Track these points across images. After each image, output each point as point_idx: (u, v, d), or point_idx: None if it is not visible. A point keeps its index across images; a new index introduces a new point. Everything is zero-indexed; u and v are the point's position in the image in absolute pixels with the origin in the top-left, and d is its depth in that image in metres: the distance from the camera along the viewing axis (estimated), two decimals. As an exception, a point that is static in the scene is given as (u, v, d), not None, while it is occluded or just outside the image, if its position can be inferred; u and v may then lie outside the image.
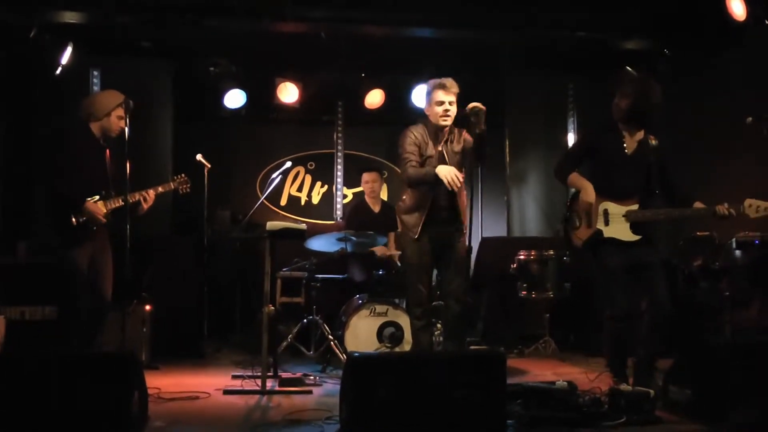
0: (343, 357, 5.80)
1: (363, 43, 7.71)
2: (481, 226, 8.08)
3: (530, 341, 6.98)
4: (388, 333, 6.03)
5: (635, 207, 4.79)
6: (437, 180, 4.88)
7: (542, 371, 6.05)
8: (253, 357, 5.73)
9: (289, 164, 6.74)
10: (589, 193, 4.83)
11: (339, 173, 9.02)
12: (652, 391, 4.32)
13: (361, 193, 7.75)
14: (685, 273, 6.40)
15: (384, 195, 8.14)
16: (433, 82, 5.09)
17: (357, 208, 7.43)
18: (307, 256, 6.70)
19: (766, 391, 4.13)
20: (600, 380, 5.12)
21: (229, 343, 7.27)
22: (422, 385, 3.87)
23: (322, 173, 9.14)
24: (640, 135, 4.90)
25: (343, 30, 7.32)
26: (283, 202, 9.07)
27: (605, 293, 4.93)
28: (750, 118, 5.13)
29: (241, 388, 5.11)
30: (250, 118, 8.68)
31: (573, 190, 5.09)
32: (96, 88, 7.48)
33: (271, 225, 5.36)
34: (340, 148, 9.03)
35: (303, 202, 9.14)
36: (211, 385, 5.26)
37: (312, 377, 5.58)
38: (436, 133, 5.07)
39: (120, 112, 5.24)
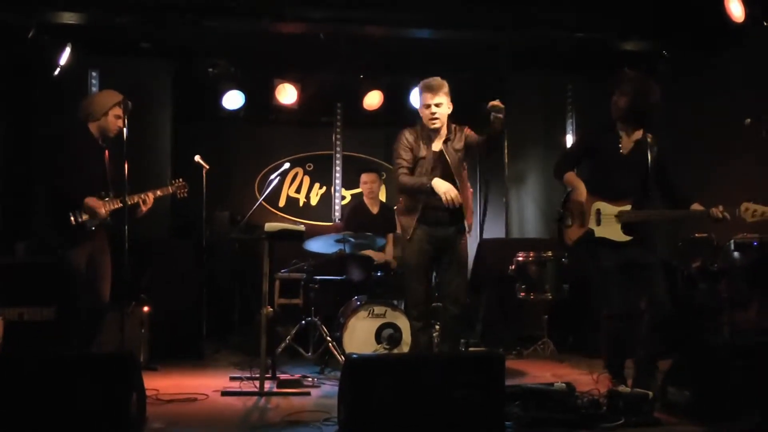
0: (341, 358, 5.79)
1: (362, 44, 7.70)
2: (480, 227, 8.08)
3: (529, 342, 6.98)
4: (387, 334, 6.03)
5: (628, 208, 4.78)
6: (432, 192, 4.89)
7: (541, 372, 6.05)
8: (252, 358, 5.72)
9: (287, 165, 6.74)
10: (580, 192, 4.85)
11: (338, 174, 9.02)
12: (650, 393, 4.32)
13: (360, 194, 7.75)
14: (683, 274, 6.40)
15: (382, 196, 8.14)
16: (421, 83, 5.07)
17: (355, 209, 7.43)
18: (305, 257, 6.70)
19: (766, 392, 4.13)
20: (598, 381, 5.11)
21: (227, 344, 7.27)
22: (421, 386, 3.87)
23: (321, 174, 9.14)
24: (638, 135, 4.90)
25: (342, 31, 7.32)
26: (282, 203, 9.07)
27: (601, 293, 4.93)
28: (749, 119, 5.13)
29: (239, 390, 5.11)
30: (248, 119, 8.68)
31: (569, 189, 5.10)
32: (95, 89, 7.47)
33: (270, 226, 5.36)
34: (338, 149, 9.03)
35: (301, 204, 9.14)
36: (210, 386, 5.25)
37: (310, 379, 5.57)
38: (430, 134, 5.06)
39: (117, 111, 5.24)
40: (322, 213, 9.09)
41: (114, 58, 7.73)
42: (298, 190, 9.14)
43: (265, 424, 4.32)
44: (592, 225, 4.84)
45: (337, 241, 6.18)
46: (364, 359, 4.19)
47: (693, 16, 6.76)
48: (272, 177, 6.43)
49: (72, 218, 5.08)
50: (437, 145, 5.05)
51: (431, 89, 4.99)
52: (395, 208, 7.54)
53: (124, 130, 5.11)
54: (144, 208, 5.35)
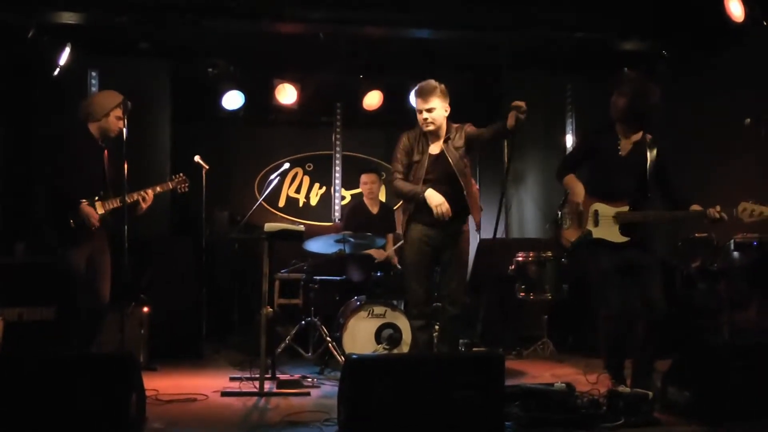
0: (341, 359, 5.79)
1: (361, 43, 7.71)
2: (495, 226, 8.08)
3: (528, 343, 6.98)
4: (387, 335, 6.02)
5: (626, 209, 4.78)
6: (424, 202, 4.93)
7: (540, 373, 6.05)
8: (251, 359, 5.71)
9: (287, 165, 6.74)
10: (576, 193, 4.85)
11: (337, 174, 9.02)
12: (650, 393, 4.32)
13: (360, 194, 7.75)
14: (683, 274, 6.40)
15: (382, 196, 8.14)
16: (415, 88, 5.09)
17: (355, 209, 7.43)
18: (305, 257, 6.69)
19: (766, 392, 4.14)
20: (598, 382, 5.11)
21: (227, 344, 7.26)
22: (420, 386, 3.87)
23: (321, 174, 9.13)
24: (637, 137, 4.90)
25: (342, 31, 7.32)
26: (282, 203, 9.06)
27: (599, 294, 4.93)
28: (749, 119, 5.14)
29: (239, 390, 5.11)
30: (248, 119, 8.68)
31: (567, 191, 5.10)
32: (94, 89, 7.46)
33: (269, 226, 5.36)
34: (338, 149, 9.02)
35: (301, 204, 9.14)
36: (209, 386, 5.25)
37: (310, 379, 5.57)
38: (428, 136, 5.07)
39: (118, 112, 5.24)
40: (322, 213, 9.09)
41: (114, 58, 7.72)
42: (297, 190, 9.13)
43: (265, 424, 4.32)
44: (590, 226, 4.84)
45: (337, 241, 6.18)
46: (364, 359, 4.19)
47: (693, 16, 6.76)
48: (272, 177, 6.43)
49: (72, 219, 5.07)
50: (437, 147, 5.06)
51: (422, 94, 5.01)
52: (395, 208, 7.57)
53: (124, 130, 5.11)
54: (144, 206, 5.34)
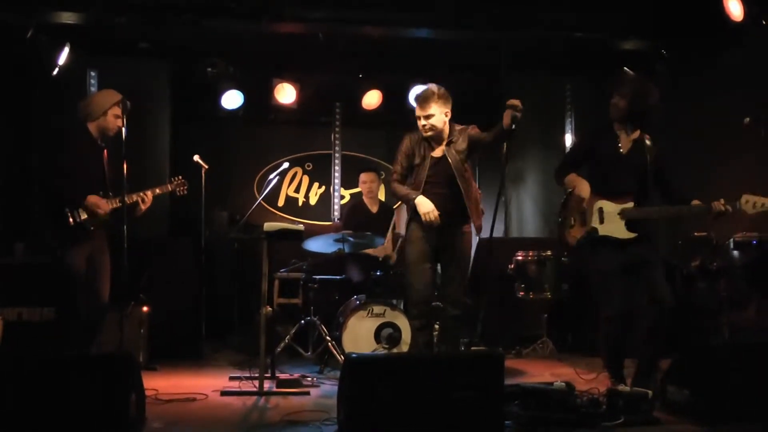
0: (340, 358, 5.79)
1: (360, 43, 7.71)
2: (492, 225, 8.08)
3: (528, 342, 6.98)
4: (386, 334, 6.02)
5: (630, 205, 4.79)
6: (415, 208, 4.99)
7: (540, 372, 6.05)
8: (251, 358, 5.72)
9: (286, 165, 6.74)
10: (582, 188, 4.84)
11: (336, 174, 9.02)
12: (650, 392, 4.32)
13: (359, 193, 7.75)
14: (683, 273, 6.40)
15: (382, 195, 8.14)
16: (416, 94, 5.13)
17: (354, 208, 7.43)
18: (304, 257, 6.69)
19: (766, 391, 4.13)
20: (598, 381, 5.11)
21: (226, 344, 7.27)
22: (420, 386, 3.87)
23: (320, 174, 9.14)
24: (636, 135, 4.91)
25: (341, 31, 7.33)
26: (281, 203, 9.07)
27: (600, 293, 4.93)
28: (747, 119, 5.14)
29: (238, 390, 5.10)
30: (247, 119, 8.67)
31: (569, 190, 5.10)
32: (93, 89, 7.46)
33: (269, 226, 5.35)
34: (337, 149, 9.02)
35: (300, 203, 9.14)
36: (209, 386, 5.25)
37: (310, 378, 5.57)
38: (430, 139, 5.09)
39: (117, 111, 5.24)
40: (321, 212, 9.09)
41: (113, 58, 7.72)
42: (297, 190, 9.14)
43: (265, 423, 4.32)
44: (595, 223, 4.83)
45: (336, 240, 6.17)
46: (364, 359, 4.19)
47: (692, 16, 6.76)
48: (271, 176, 6.43)
49: (71, 218, 5.07)
50: (439, 151, 5.09)
51: (420, 102, 5.08)
52: (394, 207, 7.57)
53: (123, 129, 5.11)
54: (143, 207, 5.34)
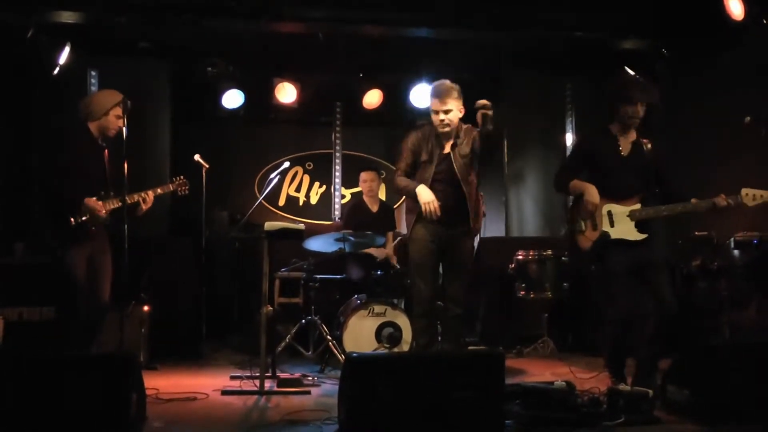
0: (341, 357, 5.79)
1: (361, 43, 7.71)
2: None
3: (529, 341, 6.98)
4: (387, 333, 6.03)
5: (638, 206, 4.79)
6: (416, 198, 4.96)
7: (541, 371, 6.04)
8: (252, 357, 5.72)
9: (287, 164, 6.74)
10: (592, 193, 4.82)
11: (337, 173, 9.02)
12: (650, 391, 4.32)
13: (360, 193, 7.75)
14: (683, 273, 6.40)
15: (382, 195, 8.14)
16: (432, 88, 5.08)
17: (355, 207, 7.43)
18: (305, 256, 6.69)
19: (766, 391, 4.13)
20: (598, 380, 5.11)
21: (227, 343, 7.27)
22: (421, 385, 3.87)
23: (321, 173, 9.14)
24: (633, 136, 4.92)
25: (341, 30, 7.33)
26: (282, 202, 9.07)
27: (607, 295, 4.92)
28: (748, 118, 5.14)
29: (239, 389, 5.10)
30: (248, 119, 8.69)
31: (575, 194, 5.09)
32: (94, 89, 7.47)
33: (269, 225, 5.35)
34: (338, 148, 9.03)
35: (301, 203, 9.15)
36: (210, 385, 5.25)
37: (310, 378, 5.58)
38: (441, 137, 5.07)
39: (118, 111, 5.23)
40: (322, 212, 9.10)
41: (113, 58, 7.72)
42: (297, 189, 9.14)
43: (265, 423, 4.32)
44: (605, 227, 4.82)
45: (337, 239, 6.18)
46: (364, 358, 4.19)
47: (693, 15, 6.76)
48: (272, 176, 6.43)
49: (71, 218, 5.07)
50: (447, 148, 5.07)
51: (439, 96, 5.00)
52: (395, 206, 7.58)
53: (124, 129, 5.11)
54: (144, 207, 5.33)
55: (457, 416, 3.82)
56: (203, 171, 6.41)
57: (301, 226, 5.62)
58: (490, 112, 4.79)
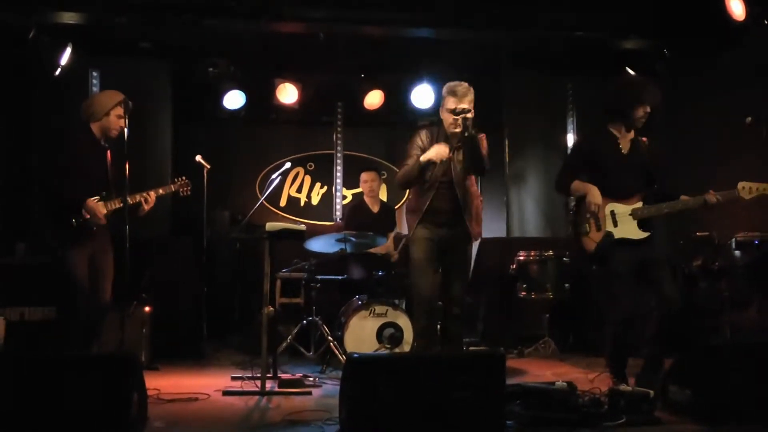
0: (342, 358, 5.79)
1: (362, 43, 7.71)
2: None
3: (530, 342, 6.98)
4: (388, 334, 6.03)
5: (640, 204, 4.81)
6: (424, 167, 4.94)
7: (542, 372, 6.05)
8: (253, 358, 5.72)
9: (288, 165, 6.74)
10: (595, 194, 4.83)
11: (338, 174, 9.02)
12: (651, 392, 4.32)
13: (361, 193, 7.75)
14: (684, 273, 6.40)
15: (383, 195, 8.14)
16: (446, 86, 5.06)
17: (356, 208, 7.43)
18: (306, 257, 6.69)
19: (766, 391, 4.14)
20: (600, 380, 5.11)
21: (228, 344, 7.27)
22: (422, 385, 3.87)
23: (322, 174, 9.14)
24: (631, 135, 4.94)
25: (342, 30, 7.33)
26: (283, 202, 9.07)
27: (609, 295, 4.92)
28: (749, 118, 5.14)
29: (240, 389, 5.11)
30: (249, 119, 8.69)
31: (572, 198, 5.10)
32: (95, 89, 7.47)
33: (271, 226, 5.36)
34: (339, 148, 9.02)
35: (302, 203, 9.14)
36: (211, 386, 5.25)
37: (311, 378, 5.58)
38: (447, 137, 5.07)
39: (119, 111, 5.23)
40: (323, 212, 9.09)
41: (114, 59, 7.73)
42: (299, 190, 9.14)
43: (267, 423, 4.32)
44: (609, 227, 4.83)
45: (338, 240, 6.17)
46: (366, 359, 4.19)
47: (693, 15, 6.75)
48: (273, 177, 6.43)
49: (72, 219, 5.07)
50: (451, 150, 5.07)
51: (456, 95, 4.98)
52: (396, 207, 7.57)
53: (125, 130, 5.11)
54: (146, 207, 5.34)
55: (457, 417, 3.83)
56: (204, 171, 6.41)
57: (303, 227, 5.63)
58: (470, 116, 4.80)
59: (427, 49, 7.84)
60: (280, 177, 6.44)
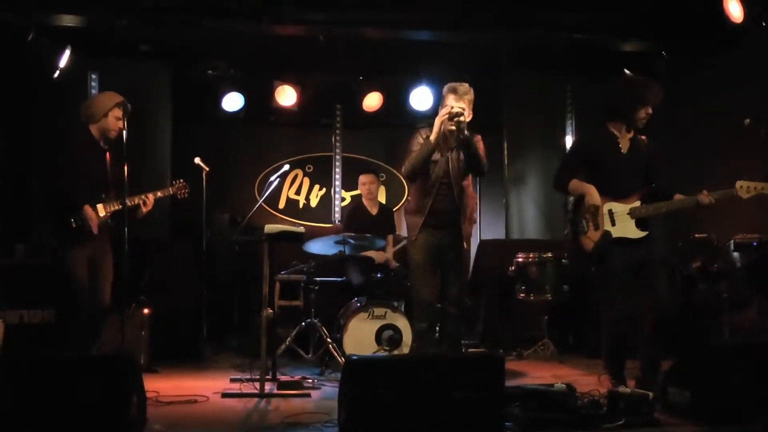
0: (341, 360, 5.78)
1: (361, 45, 7.71)
2: (480, 228, 8.06)
3: (529, 343, 6.98)
4: (387, 336, 6.02)
5: (638, 203, 4.81)
6: (433, 149, 4.94)
7: (541, 373, 6.05)
8: (252, 360, 5.72)
9: (287, 167, 6.74)
10: (593, 195, 4.83)
11: (337, 176, 9.02)
12: (650, 393, 4.31)
13: (359, 195, 7.75)
14: (683, 275, 6.40)
15: (382, 197, 8.14)
16: (447, 85, 5.08)
17: (354, 210, 7.42)
18: (305, 259, 6.68)
19: (766, 392, 4.13)
20: (599, 382, 5.11)
21: (227, 346, 7.27)
22: (421, 387, 3.87)
23: (321, 176, 9.14)
24: (631, 134, 4.94)
25: (341, 32, 7.33)
26: (282, 205, 9.07)
27: (605, 296, 4.92)
28: (748, 119, 5.15)
29: (239, 392, 5.11)
30: (248, 121, 8.69)
31: (571, 198, 5.09)
32: (94, 91, 7.47)
33: (270, 228, 5.36)
34: (338, 150, 9.02)
35: (301, 205, 9.14)
36: (210, 388, 5.25)
37: (310, 380, 5.57)
38: (446, 137, 5.07)
39: (117, 112, 5.24)
40: (322, 214, 9.09)
41: (113, 60, 7.73)
42: (297, 192, 9.14)
43: (266, 425, 4.32)
44: (607, 226, 4.83)
45: (337, 242, 6.17)
46: (364, 361, 4.19)
47: (692, 17, 6.76)
48: (272, 179, 6.43)
49: (72, 220, 5.07)
50: (447, 152, 5.07)
51: (456, 93, 5.00)
52: (395, 209, 7.57)
53: (124, 132, 5.11)
54: (144, 210, 5.35)
55: (457, 419, 3.82)
56: (203, 173, 6.41)
57: (301, 229, 5.64)
58: (463, 119, 4.82)
59: (426, 51, 7.84)
60: (279, 179, 6.44)
